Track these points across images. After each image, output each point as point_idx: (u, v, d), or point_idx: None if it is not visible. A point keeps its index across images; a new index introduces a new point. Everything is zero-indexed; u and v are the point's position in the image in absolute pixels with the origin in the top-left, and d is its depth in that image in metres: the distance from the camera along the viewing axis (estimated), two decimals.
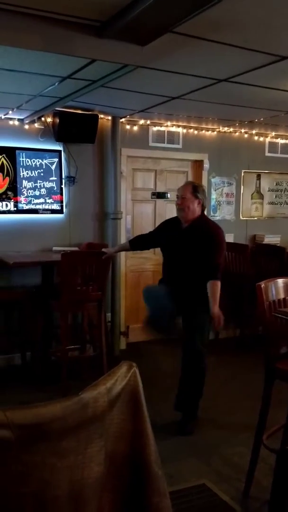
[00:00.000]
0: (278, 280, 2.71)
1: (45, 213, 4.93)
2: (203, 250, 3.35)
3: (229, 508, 2.59)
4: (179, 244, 3.50)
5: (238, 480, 2.81)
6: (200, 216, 3.50)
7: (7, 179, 4.73)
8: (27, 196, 4.83)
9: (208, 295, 3.31)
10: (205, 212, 5.37)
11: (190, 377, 3.51)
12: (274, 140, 6.14)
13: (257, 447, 2.66)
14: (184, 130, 5.55)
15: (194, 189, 3.46)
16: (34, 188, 4.86)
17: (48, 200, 4.93)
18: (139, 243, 3.91)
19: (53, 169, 4.92)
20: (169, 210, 5.66)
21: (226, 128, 5.69)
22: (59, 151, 4.94)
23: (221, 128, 5.66)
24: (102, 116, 4.93)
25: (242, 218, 6.09)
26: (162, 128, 5.42)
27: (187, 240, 3.45)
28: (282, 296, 2.67)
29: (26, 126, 4.78)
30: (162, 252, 3.73)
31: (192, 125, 5.49)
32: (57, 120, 4.64)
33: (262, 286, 2.56)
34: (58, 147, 4.92)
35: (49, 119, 4.79)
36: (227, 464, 3.04)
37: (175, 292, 3.42)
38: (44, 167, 4.88)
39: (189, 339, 3.45)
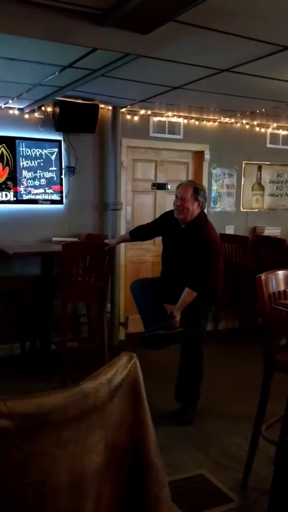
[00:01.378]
0: (278, 272, 2.71)
1: (44, 204, 4.92)
2: (193, 258, 3.30)
3: (227, 498, 2.61)
4: (175, 242, 3.49)
5: (236, 471, 2.83)
6: (198, 217, 3.39)
7: (7, 169, 4.70)
8: (27, 186, 4.81)
9: (181, 297, 3.28)
10: (206, 207, 5.37)
11: (188, 368, 3.53)
12: (276, 131, 6.11)
13: (255, 438, 2.68)
14: (185, 121, 5.51)
15: (195, 191, 3.35)
16: (34, 178, 4.84)
17: (48, 191, 4.91)
18: (139, 234, 3.91)
19: (53, 159, 4.90)
20: (169, 201, 5.62)
21: (227, 119, 5.66)
22: (59, 141, 4.91)
23: (222, 118, 5.63)
24: (102, 106, 4.90)
25: (242, 210, 6.07)
26: (163, 119, 5.38)
27: (183, 241, 3.42)
28: (282, 288, 2.67)
29: (26, 116, 4.75)
30: (162, 243, 3.73)
31: (193, 115, 5.46)
32: (57, 110, 4.61)
33: (262, 278, 2.56)
34: (58, 137, 4.89)
35: (49, 109, 4.76)
36: (225, 455, 3.06)
37: (171, 283, 3.42)
38: (44, 157, 4.86)
39: (187, 329, 3.46)
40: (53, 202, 4.95)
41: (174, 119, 5.45)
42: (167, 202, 5.65)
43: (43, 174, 4.88)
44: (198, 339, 3.49)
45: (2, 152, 4.66)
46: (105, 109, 4.99)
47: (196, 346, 3.49)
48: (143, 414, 1.16)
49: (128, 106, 5.01)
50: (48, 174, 4.90)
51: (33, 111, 4.72)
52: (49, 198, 4.93)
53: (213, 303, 3.65)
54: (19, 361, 4.56)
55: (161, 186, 5.61)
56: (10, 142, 4.69)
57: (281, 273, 2.71)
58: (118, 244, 4.52)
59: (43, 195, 4.90)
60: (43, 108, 4.73)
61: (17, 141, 4.72)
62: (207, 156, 5.69)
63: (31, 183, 4.83)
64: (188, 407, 3.54)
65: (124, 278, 5.36)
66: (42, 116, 4.79)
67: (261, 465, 2.80)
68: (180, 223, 3.45)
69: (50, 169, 4.91)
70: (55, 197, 4.95)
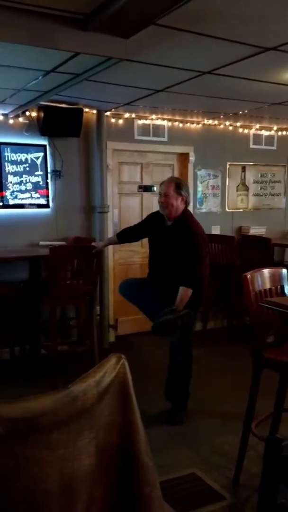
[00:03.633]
0: (263, 270, 2.74)
1: (31, 208, 4.90)
2: (181, 255, 3.32)
3: (219, 496, 2.63)
4: (162, 241, 3.50)
5: (228, 469, 2.85)
6: (183, 213, 3.44)
7: None
8: (13, 191, 4.80)
9: (178, 297, 3.28)
10: (191, 206, 5.40)
11: (177, 369, 3.54)
12: (259, 132, 6.17)
13: (246, 435, 2.70)
14: (169, 123, 5.54)
15: (178, 186, 3.39)
16: (19, 183, 4.82)
17: (34, 195, 4.90)
18: (126, 235, 3.92)
19: (38, 164, 4.89)
20: (156, 203, 5.64)
21: (211, 121, 5.70)
22: (44, 146, 4.90)
23: (206, 120, 5.66)
24: (87, 109, 4.91)
25: (228, 210, 6.12)
26: (147, 121, 5.41)
27: (170, 239, 3.43)
28: (268, 286, 2.70)
29: (11, 121, 4.74)
30: (149, 244, 3.74)
31: (177, 118, 5.49)
32: (42, 114, 4.60)
33: (248, 276, 2.59)
34: (43, 141, 4.88)
35: (33, 113, 4.75)
36: (216, 453, 3.09)
37: (159, 285, 3.44)
38: (29, 161, 4.85)
39: (172, 335, 3.46)
40: (39, 206, 4.94)
41: (158, 122, 5.47)
42: (153, 204, 5.66)
43: (29, 179, 4.87)
44: (186, 341, 3.50)
45: None
46: (90, 113, 5.00)
47: (184, 348, 3.51)
48: (133, 415, 1.17)
49: (113, 110, 5.02)
50: (34, 179, 4.89)
51: (17, 116, 4.71)
52: (36, 202, 4.92)
53: (200, 304, 3.67)
54: (9, 366, 4.53)
55: (147, 188, 5.63)
56: None
57: (266, 271, 2.75)
58: (105, 246, 4.53)
59: (30, 199, 4.89)
60: (27, 113, 4.72)
61: (2, 146, 4.71)
62: (192, 157, 5.72)
63: (17, 187, 4.82)
64: (178, 407, 3.56)
65: (112, 281, 5.36)
66: (27, 121, 4.78)
67: (252, 462, 2.83)
68: (166, 220, 3.48)
69: (36, 173, 4.90)
70: (42, 201, 4.95)
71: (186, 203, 3.47)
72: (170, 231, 3.46)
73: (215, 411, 3.70)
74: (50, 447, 0.98)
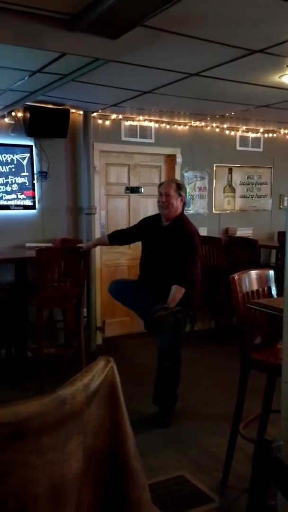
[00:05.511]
0: (251, 271, 2.75)
1: (17, 209, 4.87)
2: (177, 254, 3.36)
3: (208, 498, 2.63)
4: (157, 242, 3.51)
5: (216, 470, 2.85)
6: (181, 214, 3.52)
7: None
8: None
9: (170, 295, 3.31)
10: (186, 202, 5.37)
11: (166, 373, 3.53)
12: (245, 134, 6.21)
13: (233, 437, 2.70)
14: (157, 125, 5.55)
15: (178, 186, 3.50)
16: (5, 184, 4.78)
17: (20, 196, 4.87)
18: (118, 237, 3.90)
19: (24, 165, 4.86)
20: (143, 205, 5.68)
21: (198, 123, 5.72)
22: (31, 146, 4.87)
23: (193, 122, 5.68)
24: (73, 110, 4.89)
25: (215, 212, 6.14)
26: (135, 123, 5.41)
27: (165, 239, 3.46)
28: (255, 287, 2.71)
29: None
30: (142, 248, 3.74)
31: (164, 119, 5.50)
32: (28, 115, 4.58)
33: (236, 278, 2.60)
34: (29, 142, 4.85)
35: (19, 114, 4.72)
36: (205, 455, 3.09)
37: (152, 286, 3.43)
38: (15, 162, 4.81)
39: (163, 336, 3.46)
40: (25, 207, 4.90)
41: (146, 123, 5.47)
42: (141, 205, 5.67)
43: (15, 180, 4.83)
44: (175, 345, 3.50)
45: None
46: (76, 114, 4.98)
47: (173, 352, 3.51)
48: (121, 418, 1.16)
49: (100, 111, 5.01)
50: (20, 180, 4.86)
51: (3, 116, 4.67)
52: (22, 203, 4.88)
53: (191, 308, 3.68)
54: None
55: (134, 190, 5.63)
56: None
57: (253, 272, 2.76)
58: (94, 246, 4.52)
59: (15, 200, 4.85)
60: (13, 113, 4.69)
61: None
62: (179, 159, 5.74)
63: (3, 189, 4.78)
64: (166, 410, 3.55)
65: (100, 282, 5.35)
66: (13, 122, 4.74)
67: (240, 463, 2.83)
68: (164, 220, 3.50)
69: (22, 174, 4.86)
70: (28, 202, 4.91)
71: (184, 204, 3.54)
72: (166, 231, 3.48)
73: (203, 413, 3.70)
74: (39, 452, 0.97)
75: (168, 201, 3.43)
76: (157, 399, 3.59)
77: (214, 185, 6.10)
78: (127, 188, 5.60)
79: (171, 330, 3.32)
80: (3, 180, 4.77)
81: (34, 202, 4.93)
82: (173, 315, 3.23)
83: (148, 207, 5.74)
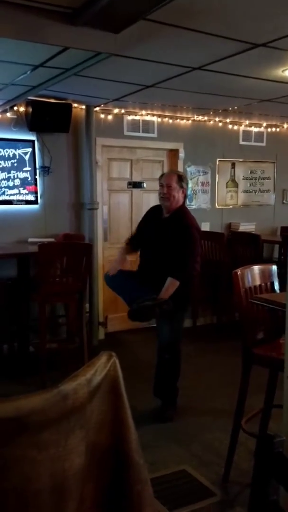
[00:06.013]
0: (253, 267, 2.75)
1: (19, 204, 4.86)
2: (176, 246, 3.33)
3: (210, 492, 2.64)
4: (158, 234, 3.48)
5: (218, 465, 2.86)
6: (182, 207, 3.49)
7: None
8: (1, 187, 4.75)
9: (164, 287, 3.27)
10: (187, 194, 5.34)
11: (165, 367, 3.54)
12: (248, 128, 6.18)
13: (235, 432, 2.71)
14: (159, 119, 5.53)
15: (180, 178, 3.47)
16: (7, 179, 4.78)
17: (22, 191, 4.86)
18: (136, 244, 3.69)
19: (26, 159, 4.85)
20: (146, 200, 5.66)
21: (200, 117, 5.69)
22: (33, 141, 4.86)
23: (195, 116, 5.66)
24: (76, 105, 4.87)
25: (217, 207, 6.13)
26: (137, 117, 5.38)
27: (166, 231, 3.43)
28: (258, 282, 2.71)
29: None
30: (143, 240, 3.68)
31: (167, 114, 5.47)
32: (30, 110, 4.56)
33: (238, 273, 2.59)
34: (31, 136, 4.84)
35: (21, 109, 4.70)
36: (207, 450, 3.09)
37: (150, 278, 3.42)
38: (17, 157, 4.80)
39: (164, 329, 3.47)
40: (28, 202, 4.90)
41: (148, 118, 5.45)
42: (143, 200, 5.66)
43: (17, 175, 4.82)
44: (174, 339, 3.51)
45: None
46: (79, 108, 4.96)
47: (172, 346, 3.52)
48: (124, 413, 1.16)
49: (102, 105, 4.99)
50: (22, 175, 4.85)
51: (5, 111, 4.66)
52: (24, 198, 4.88)
53: (189, 303, 3.67)
54: None
55: (137, 185, 5.61)
56: None
57: (256, 268, 2.75)
58: (122, 262, 3.84)
59: (18, 195, 4.84)
60: (15, 108, 4.68)
61: None
62: (181, 154, 5.72)
63: (5, 183, 4.77)
64: (168, 404, 3.56)
65: (102, 278, 5.34)
66: (15, 116, 4.73)
67: (242, 458, 2.84)
68: (165, 212, 3.48)
69: (24, 169, 4.85)
70: (30, 197, 4.90)
71: (185, 196, 3.54)
72: (166, 223, 3.45)
73: (205, 408, 3.71)
74: (41, 447, 0.96)
75: (170, 193, 3.39)
76: (157, 392, 3.60)
77: (217, 180, 6.08)
78: (129, 183, 5.58)
79: (162, 321, 3.36)
80: (5, 175, 4.76)
81: (36, 197, 4.93)
82: (159, 306, 3.20)
83: (150, 202, 5.70)
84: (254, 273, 2.71)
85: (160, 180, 3.53)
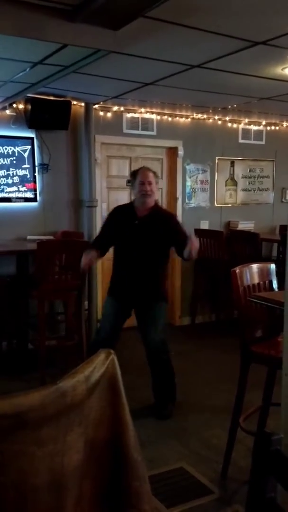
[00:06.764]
0: (252, 265, 2.75)
1: (18, 202, 4.86)
2: (171, 232, 3.39)
3: (207, 489, 2.65)
4: (141, 234, 3.39)
5: (216, 462, 2.86)
6: (156, 201, 3.54)
7: None
8: (0, 185, 4.75)
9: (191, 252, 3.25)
10: (180, 200, 5.45)
11: (162, 366, 3.54)
12: (247, 126, 6.17)
13: (234, 429, 2.71)
14: (158, 117, 5.52)
15: (154, 174, 3.49)
16: (6, 176, 4.77)
17: (21, 188, 4.86)
18: (104, 246, 3.58)
19: (25, 157, 4.84)
20: None
21: (200, 115, 5.69)
22: (32, 138, 4.85)
23: (195, 114, 5.65)
24: (75, 102, 4.86)
25: (216, 205, 6.13)
26: (136, 115, 5.38)
27: (150, 228, 3.38)
28: (256, 281, 2.71)
29: None
30: (117, 248, 3.54)
31: (166, 111, 5.47)
32: (29, 107, 4.56)
33: (237, 271, 2.59)
34: (30, 134, 4.83)
35: (20, 106, 4.70)
36: (205, 447, 3.10)
37: (132, 285, 3.42)
38: (16, 154, 4.80)
39: (152, 330, 3.47)
40: (27, 200, 4.90)
41: (147, 115, 5.45)
42: None
43: (16, 172, 4.82)
44: (164, 335, 3.54)
45: None
46: (78, 106, 4.95)
47: (165, 343, 3.54)
48: (122, 410, 1.17)
49: (101, 103, 4.99)
50: (21, 172, 4.84)
51: (4, 108, 4.65)
52: (23, 196, 4.87)
53: (168, 298, 3.71)
54: None
55: None
56: None
57: (255, 266, 2.76)
58: (90, 264, 3.77)
59: (17, 193, 4.84)
60: (14, 105, 4.67)
61: None
62: (180, 152, 5.71)
63: (4, 181, 4.77)
64: (166, 400, 3.56)
65: (101, 275, 5.34)
66: (14, 113, 4.72)
67: (240, 455, 2.84)
68: (142, 210, 3.40)
69: (23, 166, 4.85)
70: (29, 195, 4.90)
71: None
72: (148, 222, 3.39)
73: (203, 405, 3.72)
74: (39, 443, 0.97)
75: (152, 190, 3.40)
76: (160, 396, 3.57)
77: (216, 178, 6.08)
78: (128, 181, 5.57)
79: (149, 324, 3.44)
80: (4, 172, 4.76)
81: (35, 194, 4.92)
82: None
83: None
84: (252, 272, 2.72)
85: (137, 178, 3.41)
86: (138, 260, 3.41)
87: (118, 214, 3.57)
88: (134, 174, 3.48)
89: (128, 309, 3.56)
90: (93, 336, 3.66)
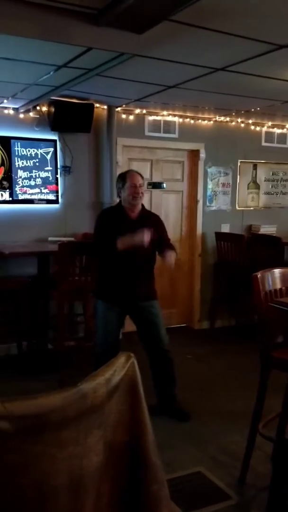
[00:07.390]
0: (274, 270, 2.72)
1: (40, 203, 4.91)
2: (160, 231, 3.53)
3: (225, 495, 2.63)
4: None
5: (234, 468, 2.84)
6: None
7: (2, 168, 4.70)
8: (23, 186, 4.80)
9: (170, 255, 3.44)
10: (201, 203, 5.43)
11: (170, 363, 3.54)
12: (271, 129, 6.12)
13: (253, 435, 2.69)
14: (180, 120, 5.52)
15: (142, 177, 3.53)
16: (29, 178, 4.83)
17: (43, 190, 4.91)
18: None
19: (48, 159, 4.89)
20: (165, 200, 5.67)
21: (222, 118, 5.66)
22: (55, 141, 4.90)
23: (217, 117, 5.63)
24: (97, 105, 4.89)
25: (238, 208, 6.08)
26: (158, 118, 5.38)
27: (147, 227, 3.33)
28: (278, 286, 2.68)
29: (21, 115, 4.74)
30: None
31: (188, 114, 5.46)
32: (52, 109, 4.60)
33: (258, 276, 2.57)
34: (53, 136, 4.88)
35: (44, 108, 4.75)
36: (223, 452, 3.08)
37: (132, 285, 3.41)
38: (39, 156, 4.85)
39: (160, 326, 3.50)
40: (48, 201, 4.94)
41: (169, 118, 5.45)
42: (162, 201, 5.67)
43: (39, 174, 4.87)
44: (167, 338, 3.56)
45: None
46: (100, 109, 4.98)
47: (167, 345, 3.55)
48: (141, 413, 1.17)
49: (123, 105, 5.01)
50: (43, 174, 4.90)
51: (28, 110, 4.71)
52: (45, 197, 4.92)
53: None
54: (16, 361, 4.55)
55: (157, 185, 5.61)
56: (5, 142, 4.69)
57: (277, 271, 2.72)
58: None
59: (39, 194, 4.89)
60: (38, 107, 4.72)
61: (12, 140, 4.71)
62: (202, 155, 5.69)
63: (27, 183, 4.82)
64: (175, 397, 3.56)
65: None
66: (37, 116, 4.78)
67: (259, 462, 2.81)
68: (132, 212, 3.45)
69: (46, 168, 4.90)
70: (51, 196, 4.95)
71: None
72: (142, 222, 3.39)
73: (222, 410, 3.69)
74: (60, 444, 0.98)
75: (143, 193, 3.47)
76: (172, 395, 3.56)
77: (238, 181, 6.04)
78: (149, 184, 5.58)
79: (152, 323, 3.51)
80: (27, 174, 4.81)
81: (57, 196, 4.97)
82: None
83: (170, 202, 5.73)
84: (274, 277, 2.69)
85: (127, 181, 3.39)
86: (137, 260, 3.42)
87: (110, 216, 3.55)
88: (123, 177, 3.47)
89: (124, 314, 3.62)
90: (97, 347, 3.63)
